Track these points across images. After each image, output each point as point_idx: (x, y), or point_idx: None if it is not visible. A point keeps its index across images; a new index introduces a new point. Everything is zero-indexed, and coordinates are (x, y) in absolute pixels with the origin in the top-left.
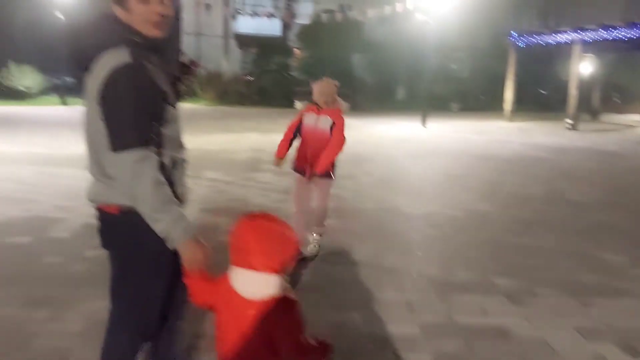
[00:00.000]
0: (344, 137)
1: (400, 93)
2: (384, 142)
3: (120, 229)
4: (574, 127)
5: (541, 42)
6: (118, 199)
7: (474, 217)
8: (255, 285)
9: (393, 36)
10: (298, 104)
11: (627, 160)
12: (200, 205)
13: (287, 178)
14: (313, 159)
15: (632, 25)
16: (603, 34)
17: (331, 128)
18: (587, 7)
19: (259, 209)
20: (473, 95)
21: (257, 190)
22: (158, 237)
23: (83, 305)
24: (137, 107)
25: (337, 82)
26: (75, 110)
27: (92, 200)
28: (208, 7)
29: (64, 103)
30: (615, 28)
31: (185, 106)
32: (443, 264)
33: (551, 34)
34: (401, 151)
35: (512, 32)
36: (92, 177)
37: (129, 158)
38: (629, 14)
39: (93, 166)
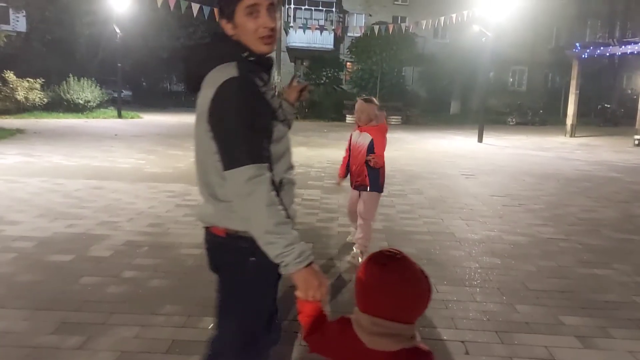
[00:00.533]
0: (382, 152)
1: (455, 107)
2: (438, 158)
3: (228, 252)
4: None
5: (607, 54)
6: (226, 221)
7: (538, 243)
8: (385, 335)
9: (448, 48)
10: (351, 118)
11: None
12: None
13: (335, 196)
14: (356, 174)
15: None
16: None
17: (370, 144)
18: None
19: (305, 227)
20: (531, 109)
21: (303, 209)
22: (267, 260)
23: (115, 333)
24: (247, 121)
25: (376, 101)
26: (129, 123)
27: (200, 221)
28: None
29: (120, 116)
30: None
31: None
32: (503, 298)
33: (618, 45)
34: (456, 168)
35: (576, 43)
36: (202, 198)
37: (241, 175)
38: None
39: (202, 187)
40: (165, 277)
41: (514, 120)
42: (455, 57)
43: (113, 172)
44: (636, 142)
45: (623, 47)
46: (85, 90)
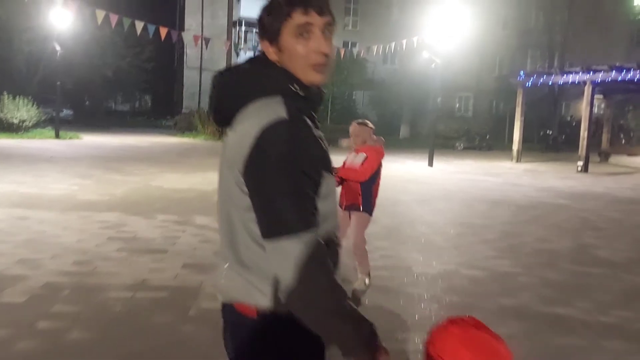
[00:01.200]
0: (369, 169)
1: (404, 131)
2: (391, 183)
3: (258, 336)
4: (585, 170)
5: (550, 83)
6: (258, 296)
7: (497, 278)
8: None
9: (397, 74)
10: (344, 142)
11: None
12: (182, 258)
13: None
14: (349, 193)
15: None
16: (613, 74)
17: (363, 162)
18: (592, 47)
19: None
20: (478, 135)
21: None
22: (310, 344)
23: None
24: (298, 178)
25: (370, 124)
26: (67, 144)
27: (221, 294)
28: (207, 41)
29: (58, 136)
30: (628, 70)
31: (182, 141)
32: None
33: (561, 74)
34: (408, 194)
35: (520, 72)
36: (224, 262)
37: (292, 247)
38: (634, 53)
39: (227, 250)
40: (88, 327)
41: (461, 145)
42: (405, 82)
43: (42, 200)
44: (579, 168)
45: (565, 76)
46: (20, 109)
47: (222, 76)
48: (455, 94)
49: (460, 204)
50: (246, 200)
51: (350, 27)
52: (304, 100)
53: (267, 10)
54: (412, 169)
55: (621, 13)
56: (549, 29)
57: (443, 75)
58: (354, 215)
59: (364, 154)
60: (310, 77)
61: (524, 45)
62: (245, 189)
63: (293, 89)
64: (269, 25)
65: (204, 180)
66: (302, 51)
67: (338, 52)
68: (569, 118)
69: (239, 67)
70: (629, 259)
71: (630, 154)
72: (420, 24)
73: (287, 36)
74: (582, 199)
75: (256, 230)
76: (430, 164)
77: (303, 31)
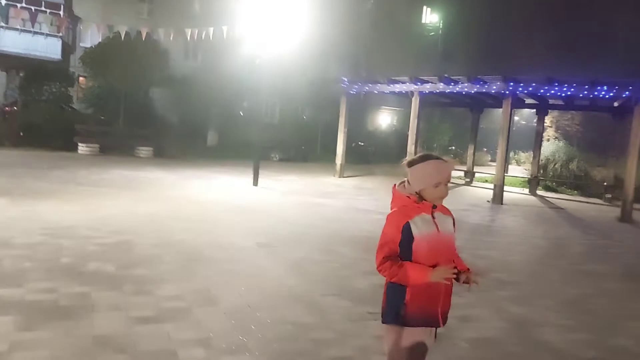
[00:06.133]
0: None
1: (212, 138)
2: (216, 216)
3: None
4: None
5: (375, 91)
6: None
7: None
8: None
9: (204, 71)
10: (88, 148)
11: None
12: None
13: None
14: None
15: (448, 81)
16: (442, 86)
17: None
18: (400, 60)
19: None
20: (293, 146)
21: None
22: None
23: None
24: None
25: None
26: None
27: None
28: None
29: None
30: (456, 82)
31: None
32: None
33: (387, 84)
34: (245, 232)
35: (343, 78)
36: None
37: None
38: (443, 68)
39: None
40: None
41: (277, 156)
42: (211, 83)
43: None
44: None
45: (392, 85)
46: None
47: None
48: (264, 100)
49: (315, 250)
50: None
51: (145, 16)
52: None
53: None
54: (235, 190)
55: (415, 28)
56: (354, 37)
57: (252, 80)
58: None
59: (451, 217)
60: None
61: (329, 53)
62: None
63: None
64: None
65: None
66: None
67: (131, 39)
68: (376, 129)
69: None
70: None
71: None
72: (230, 15)
73: None
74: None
75: None
76: (256, 182)
77: None
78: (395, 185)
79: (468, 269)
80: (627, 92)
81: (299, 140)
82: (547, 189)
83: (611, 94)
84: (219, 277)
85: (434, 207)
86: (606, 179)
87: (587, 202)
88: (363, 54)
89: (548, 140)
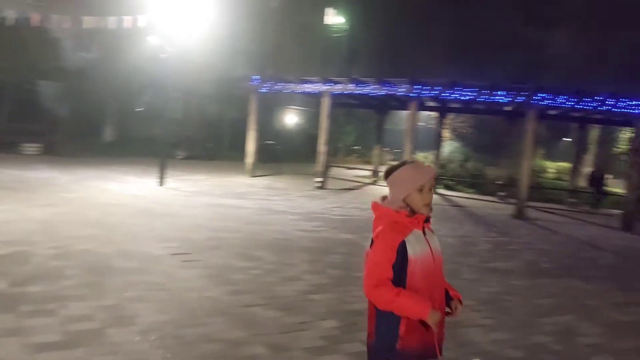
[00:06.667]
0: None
1: (110, 133)
2: (122, 221)
3: None
4: (323, 186)
5: (288, 91)
6: None
7: None
8: None
9: (100, 62)
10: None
11: None
12: None
13: None
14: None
15: (357, 82)
16: (350, 87)
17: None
18: (306, 60)
19: None
20: (199, 143)
21: None
22: None
23: None
24: None
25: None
26: None
27: None
28: None
29: None
30: (366, 84)
31: None
32: None
33: (299, 83)
34: (157, 240)
35: (253, 77)
36: None
37: None
38: (349, 69)
39: None
40: None
41: (182, 153)
42: (109, 76)
43: None
44: (317, 184)
45: (303, 85)
46: None
47: None
48: (168, 95)
49: (237, 257)
50: None
51: (35, 1)
52: None
53: None
54: (140, 192)
55: (320, 29)
56: (261, 37)
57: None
58: None
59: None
60: None
61: (238, 50)
62: None
63: None
64: None
65: None
66: None
67: (16, 24)
68: (283, 127)
69: None
70: None
71: (340, 165)
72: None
73: None
74: (349, 226)
75: None
76: (161, 183)
77: None
78: (375, 202)
79: (459, 296)
80: (522, 97)
81: (204, 138)
82: (447, 187)
83: (509, 99)
84: (131, 291)
85: (427, 220)
86: (499, 178)
87: (483, 200)
88: (270, 54)
89: (445, 141)
